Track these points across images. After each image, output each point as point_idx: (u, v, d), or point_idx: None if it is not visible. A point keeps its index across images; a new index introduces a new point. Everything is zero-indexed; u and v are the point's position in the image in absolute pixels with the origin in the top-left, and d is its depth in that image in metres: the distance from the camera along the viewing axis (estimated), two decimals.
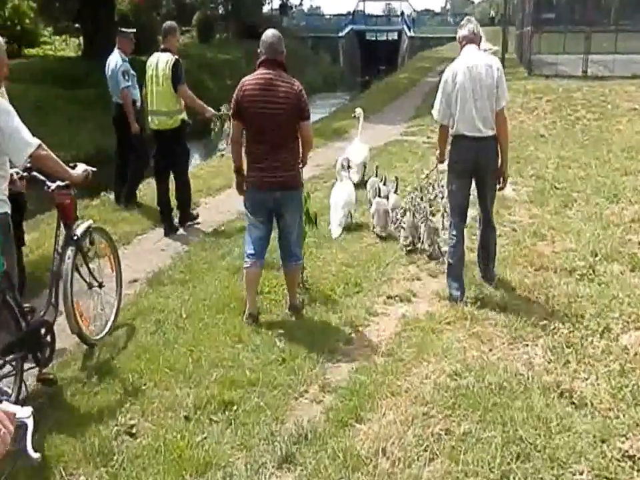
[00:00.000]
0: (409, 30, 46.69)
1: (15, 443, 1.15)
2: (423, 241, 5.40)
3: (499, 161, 4.45)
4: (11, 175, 3.31)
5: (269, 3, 43.05)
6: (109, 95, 6.96)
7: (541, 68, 18.92)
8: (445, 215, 5.32)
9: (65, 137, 13.24)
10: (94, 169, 3.66)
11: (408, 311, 4.38)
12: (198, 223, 6.46)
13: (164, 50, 6.03)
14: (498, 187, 4.57)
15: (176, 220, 6.29)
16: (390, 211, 5.93)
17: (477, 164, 4.37)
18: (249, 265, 4.12)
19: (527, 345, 3.83)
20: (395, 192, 6.21)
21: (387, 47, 47.06)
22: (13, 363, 3.09)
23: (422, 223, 5.41)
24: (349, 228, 6.21)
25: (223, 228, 6.20)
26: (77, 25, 22.84)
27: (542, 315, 4.19)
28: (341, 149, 10.03)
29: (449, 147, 4.63)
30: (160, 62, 5.96)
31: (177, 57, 5.96)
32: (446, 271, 4.62)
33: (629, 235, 5.60)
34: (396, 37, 48.89)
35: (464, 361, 3.61)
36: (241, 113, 3.98)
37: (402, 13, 51.01)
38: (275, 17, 43.30)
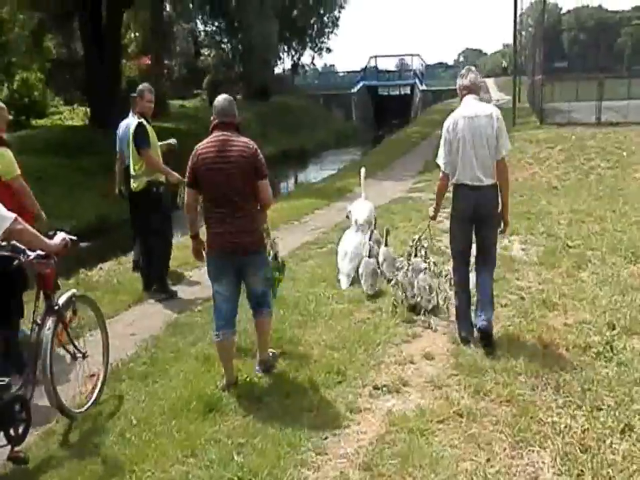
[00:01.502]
0: (421, 84, 47.12)
1: None
2: (420, 297, 5.16)
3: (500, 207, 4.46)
4: None
5: (281, 64, 43.97)
6: (113, 162, 6.71)
7: (553, 116, 18.58)
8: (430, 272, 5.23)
9: (66, 207, 13.08)
10: (74, 238, 3.60)
11: (395, 406, 3.79)
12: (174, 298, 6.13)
13: (136, 113, 6.11)
14: (500, 230, 4.55)
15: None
16: (380, 266, 5.84)
17: (477, 212, 4.38)
18: (220, 339, 4.00)
19: (533, 451, 3.21)
20: (385, 245, 6.07)
21: (400, 101, 47.32)
22: None
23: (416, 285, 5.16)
24: (341, 298, 5.73)
25: (199, 308, 5.71)
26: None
27: (552, 408, 3.59)
28: (343, 210, 9.65)
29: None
30: (131, 125, 6.07)
31: (141, 120, 5.90)
32: (454, 315, 4.71)
33: None
34: (408, 91, 49.24)
35: (455, 477, 3.01)
36: (197, 178, 3.88)
37: (414, 70, 51.53)
38: (286, 77, 44.09)
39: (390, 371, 4.28)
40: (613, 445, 3.18)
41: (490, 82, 47.31)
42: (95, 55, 20.39)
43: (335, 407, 3.78)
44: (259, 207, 3.99)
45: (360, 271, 5.86)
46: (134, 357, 4.66)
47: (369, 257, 5.87)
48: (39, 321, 3.51)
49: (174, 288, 6.32)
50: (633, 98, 18.90)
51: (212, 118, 3.94)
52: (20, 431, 3.23)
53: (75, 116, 24.38)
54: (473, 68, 4.59)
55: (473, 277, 4.73)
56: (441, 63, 73.83)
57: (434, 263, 5.33)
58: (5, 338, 4.04)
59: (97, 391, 3.98)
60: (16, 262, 3.51)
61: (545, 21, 22.54)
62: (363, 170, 7.58)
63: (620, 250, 6.36)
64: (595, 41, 22.84)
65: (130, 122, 6.18)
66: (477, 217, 4.40)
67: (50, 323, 3.53)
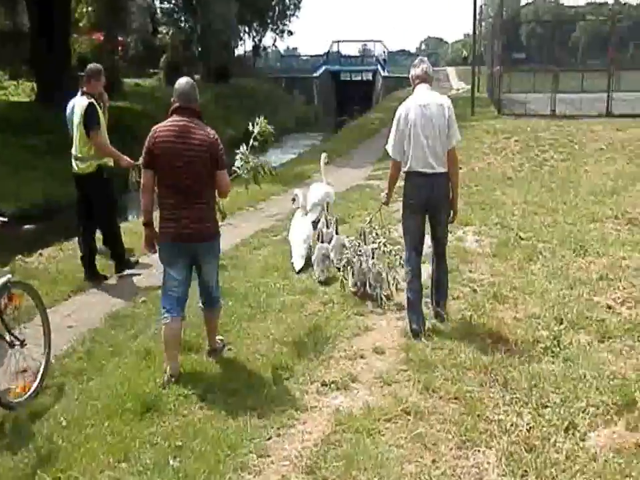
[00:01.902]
0: (384, 70, 47.05)
1: None
2: (370, 285, 5.17)
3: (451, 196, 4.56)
4: None
5: (241, 45, 43.19)
6: (61, 141, 6.48)
7: (510, 107, 18.82)
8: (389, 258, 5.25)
9: (11, 187, 12.47)
10: (4, 220, 3.63)
11: (343, 403, 3.70)
12: (138, 274, 6.14)
13: (84, 93, 5.77)
14: (449, 219, 4.65)
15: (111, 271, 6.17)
16: (330, 253, 5.78)
17: (429, 199, 4.42)
18: (168, 321, 3.90)
19: (479, 451, 3.16)
20: (336, 232, 6.07)
21: (362, 87, 47.10)
22: None
23: (365, 267, 5.19)
24: (293, 289, 5.59)
25: (143, 299, 5.47)
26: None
27: (498, 405, 3.55)
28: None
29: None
30: (77, 106, 5.76)
31: (91, 100, 5.68)
32: (405, 305, 4.67)
33: (597, 297, 5.02)
34: (370, 77, 49.09)
35: None
36: (153, 161, 3.81)
37: (376, 56, 51.42)
38: (247, 59, 43.37)
39: (339, 366, 4.18)
40: (557, 444, 3.16)
41: (450, 71, 47.58)
42: (42, 27, 19.41)
43: (280, 405, 3.65)
44: (215, 198, 3.99)
45: (313, 256, 5.84)
46: (69, 351, 4.42)
47: (321, 241, 5.87)
48: None
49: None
50: (585, 91, 19.28)
51: (172, 100, 3.86)
52: None
53: (21, 91, 23.25)
54: (425, 59, 4.69)
55: (425, 268, 4.73)
56: (403, 50, 73.75)
57: (384, 243, 5.31)
58: None
59: (36, 382, 3.83)
60: None
61: (503, 12, 22.70)
62: (323, 155, 7.61)
63: (570, 243, 6.41)
64: (552, 34, 23.19)
65: (77, 102, 5.81)
66: (431, 204, 4.45)
67: None
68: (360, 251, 5.29)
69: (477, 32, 24.28)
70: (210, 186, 3.87)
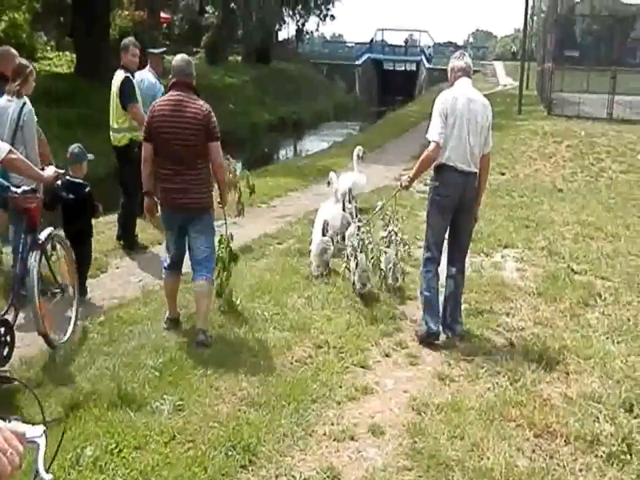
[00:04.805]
0: (428, 61, 45.41)
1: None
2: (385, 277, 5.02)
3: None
4: None
5: (285, 28, 42.13)
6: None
7: (562, 107, 17.33)
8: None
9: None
10: (63, 171, 4.04)
11: None
12: (145, 247, 6.22)
13: (121, 67, 6.02)
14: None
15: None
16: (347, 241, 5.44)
17: (462, 199, 4.24)
18: (165, 276, 4.32)
19: None
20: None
21: (405, 78, 45.71)
22: None
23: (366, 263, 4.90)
24: (283, 322, 4.48)
25: (102, 318, 4.44)
26: None
27: None
28: (320, 195, 8.36)
29: None
30: (114, 79, 5.99)
31: (127, 74, 5.89)
32: (421, 305, 4.41)
33: None
34: (414, 68, 47.60)
35: None
36: (151, 134, 4.03)
37: (421, 47, 49.80)
38: (290, 43, 42.39)
39: (320, 450, 3.07)
40: None
41: (498, 66, 45.58)
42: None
43: None
44: (209, 171, 4.11)
45: (311, 248, 5.51)
46: None
47: (323, 234, 5.53)
48: (24, 254, 3.70)
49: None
50: None
51: (169, 77, 4.08)
52: (4, 352, 3.44)
53: (64, 62, 22.75)
54: (466, 53, 4.53)
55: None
56: (450, 42, 71.60)
57: (395, 232, 5.11)
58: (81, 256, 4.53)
59: (71, 326, 4.11)
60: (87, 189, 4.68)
61: (558, 7, 21.04)
62: (358, 148, 7.39)
63: (637, 285, 5.13)
64: (609, 32, 21.60)
65: (115, 75, 5.99)
66: (462, 203, 4.24)
67: (35, 255, 3.73)
68: (367, 239, 5.03)
69: (528, 26, 22.66)
70: (203, 158, 4.03)
